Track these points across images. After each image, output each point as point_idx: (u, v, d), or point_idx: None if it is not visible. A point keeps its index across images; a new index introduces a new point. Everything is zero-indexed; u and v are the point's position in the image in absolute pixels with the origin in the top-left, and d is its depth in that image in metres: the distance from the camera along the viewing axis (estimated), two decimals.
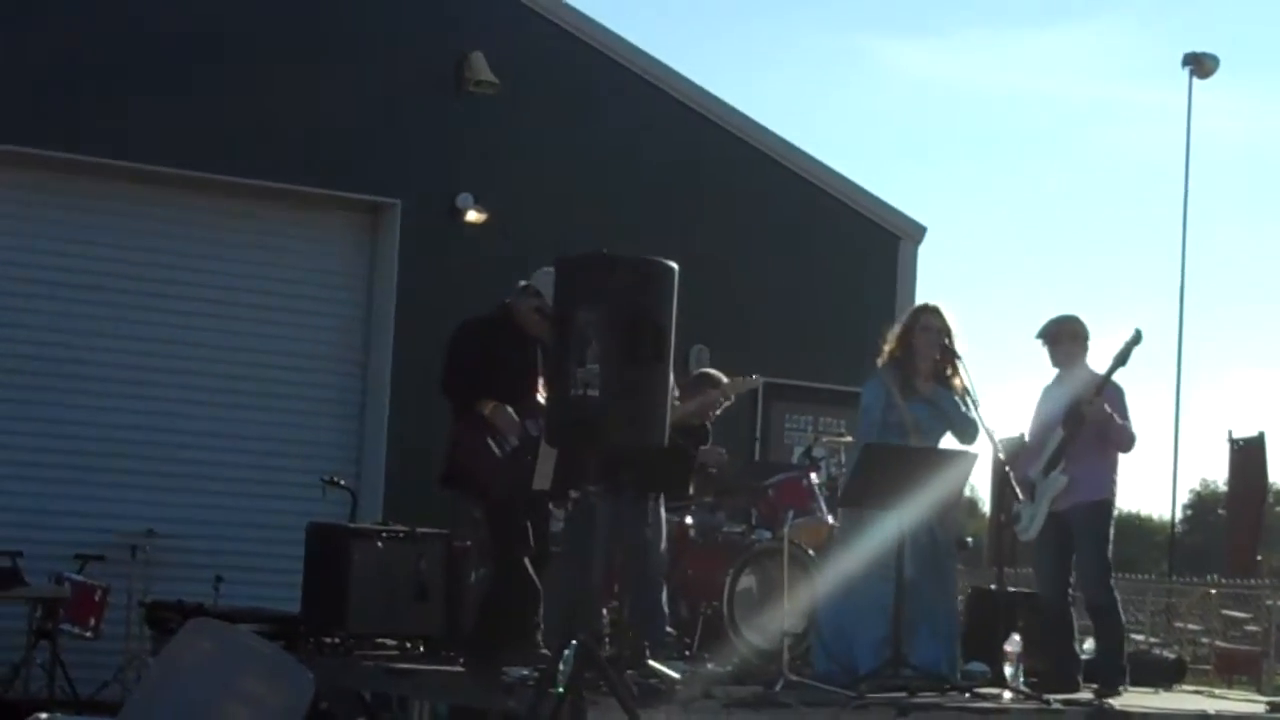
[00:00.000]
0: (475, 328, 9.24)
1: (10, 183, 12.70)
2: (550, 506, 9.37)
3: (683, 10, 72.53)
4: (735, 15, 73.23)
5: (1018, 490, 9.25)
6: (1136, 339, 9.40)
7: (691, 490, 9.86)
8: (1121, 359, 9.43)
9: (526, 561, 8.91)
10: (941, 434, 9.27)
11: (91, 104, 12.58)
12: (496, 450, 8.89)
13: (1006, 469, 9.14)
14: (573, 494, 8.91)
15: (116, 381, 12.97)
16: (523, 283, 9.21)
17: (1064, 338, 9.63)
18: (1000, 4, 77.88)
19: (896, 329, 9.42)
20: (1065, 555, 9.56)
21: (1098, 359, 9.59)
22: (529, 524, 8.96)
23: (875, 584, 8.84)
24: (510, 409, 8.91)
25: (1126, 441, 9.55)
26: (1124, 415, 9.49)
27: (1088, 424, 9.36)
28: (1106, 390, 9.45)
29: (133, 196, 13.10)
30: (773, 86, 73.02)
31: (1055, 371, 9.71)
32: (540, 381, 9.00)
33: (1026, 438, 9.78)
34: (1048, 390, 9.73)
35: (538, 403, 8.93)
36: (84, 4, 12.86)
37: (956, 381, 9.14)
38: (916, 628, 8.85)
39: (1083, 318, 9.67)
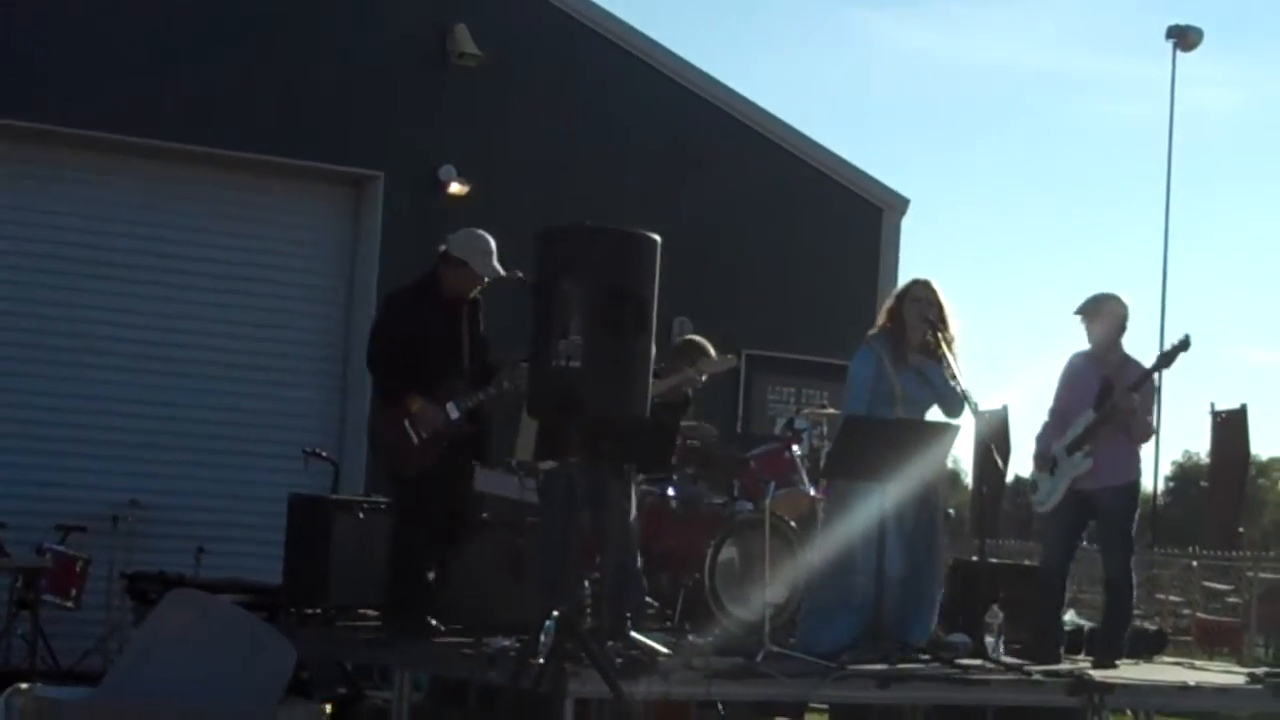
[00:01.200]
0: (401, 300, 9.16)
1: None
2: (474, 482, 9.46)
3: None
4: None
5: (999, 462, 9.29)
6: (1184, 345, 9.44)
7: (673, 462, 9.88)
8: (1166, 361, 9.57)
9: (422, 534, 9.01)
10: (928, 406, 9.27)
11: (72, 75, 12.52)
12: (413, 434, 8.91)
13: (989, 444, 9.17)
14: (546, 465, 8.93)
15: (99, 353, 12.93)
16: (441, 247, 9.16)
17: (1103, 316, 9.64)
18: None
19: (889, 301, 9.44)
20: (1077, 532, 9.75)
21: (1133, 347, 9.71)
22: (432, 506, 9.01)
23: (858, 555, 8.85)
24: (435, 406, 8.90)
25: (1145, 435, 9.68)
26: (1149, 408, 9.59)
27: (1120, 412, 9.40)
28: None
29: (114, 169, 13.05)
30: (756, 60, 73.03)
31: (1083, 347, 9.75)
32: (465, 348, 9.04)
33: (1051, 405, 9.79)
34: (1079, 365, 9.74)
35: (464, 375, 9.00)
36: None
37: (941, 355, 9.14)
38: (899, 601, 8.87)
39: (1124, 298, 9.67)
